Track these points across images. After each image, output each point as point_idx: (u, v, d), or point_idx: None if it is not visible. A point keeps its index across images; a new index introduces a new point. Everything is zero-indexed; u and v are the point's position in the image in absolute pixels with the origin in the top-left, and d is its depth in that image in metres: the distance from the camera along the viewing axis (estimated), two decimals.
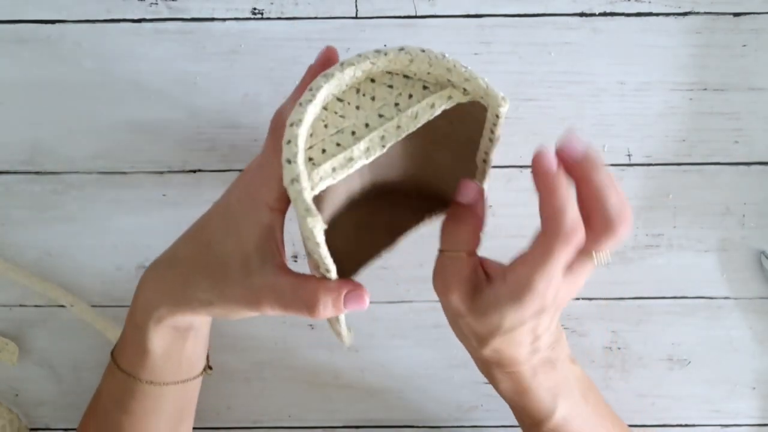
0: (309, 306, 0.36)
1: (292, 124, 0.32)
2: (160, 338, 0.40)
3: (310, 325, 0.53)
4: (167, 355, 0.42)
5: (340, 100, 0.34)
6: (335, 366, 0.54)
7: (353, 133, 0.34)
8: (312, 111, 0.32)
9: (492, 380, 0.41)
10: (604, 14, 0.50)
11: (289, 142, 0.32)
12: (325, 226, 0.33)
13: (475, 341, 0.38)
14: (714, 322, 0.53)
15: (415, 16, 0.50)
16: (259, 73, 0.50)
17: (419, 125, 0.34)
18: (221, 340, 0.53)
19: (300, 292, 0.36)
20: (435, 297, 0.53)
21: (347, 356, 0.54)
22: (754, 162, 0.51)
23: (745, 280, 0.52)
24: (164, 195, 0.51)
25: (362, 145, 0.34)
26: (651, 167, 0.51)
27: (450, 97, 0.34)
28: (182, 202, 0.51)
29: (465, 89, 0.34)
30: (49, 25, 0.50)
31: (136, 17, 0.50)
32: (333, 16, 0.50)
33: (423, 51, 0.34)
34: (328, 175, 0.33)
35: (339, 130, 0.34)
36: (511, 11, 0.50)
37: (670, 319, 0.53)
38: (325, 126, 0.34)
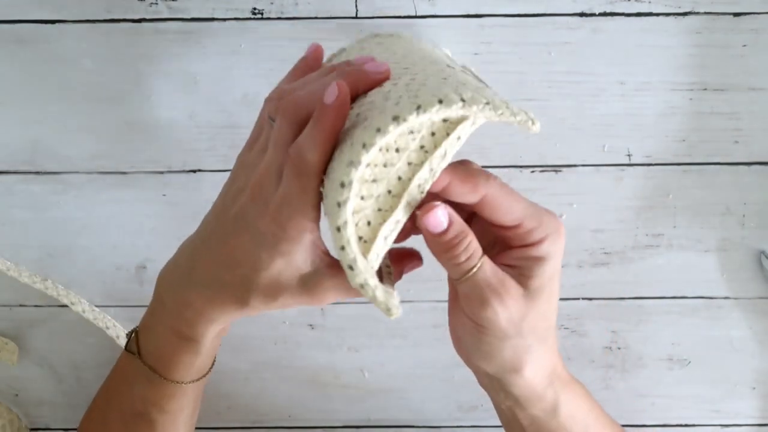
0: None
1: (338, 229, 0.32)
2: (211, 345, 0.42)
3: (310, 325, 0.53)
4: (210, 356, 0.44)
5: (367, 165, 0.33)
6: (335, 366, 0.54)
7: (389, 192, 0.34)
8: (351, 207, 0.33)
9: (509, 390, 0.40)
10: (604, 14, 0.50)
11: (343, 248, 0.33)
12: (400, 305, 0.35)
13: (520, 351, 0.38)
14: (714, 322, 0.53)
15: (415, 16, 0.50)
16: (259, 73, 0.50)
17: (450, 159, 0.34)
18: (221, 340, 0.53)
19: None
20: (435, 297, 0.53)
21: (347, 356, 0.54)
22: (754, 162, 0.51)
23: (745, 280, 0.52)
24: (164, 195, 0.52)
25: (403, 201, 0.34)
26: (651, 167, 0.51)
27: (474, 123, 0.34)
28: (182, 202, 0.52)
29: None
30: (49, 25, 0.50)
31: (136, 17, 0.50)
32: (333, 16, 0.50)
33: (441, 102, 0.32)
34: (381, 247, 0.34)
35: (376, 197, 0.34)
36: (511, 11, 0.50)
37: (670, 319, 0.53)
38: (362, 198, 0.34)
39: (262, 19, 0.50)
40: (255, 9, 0.50)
